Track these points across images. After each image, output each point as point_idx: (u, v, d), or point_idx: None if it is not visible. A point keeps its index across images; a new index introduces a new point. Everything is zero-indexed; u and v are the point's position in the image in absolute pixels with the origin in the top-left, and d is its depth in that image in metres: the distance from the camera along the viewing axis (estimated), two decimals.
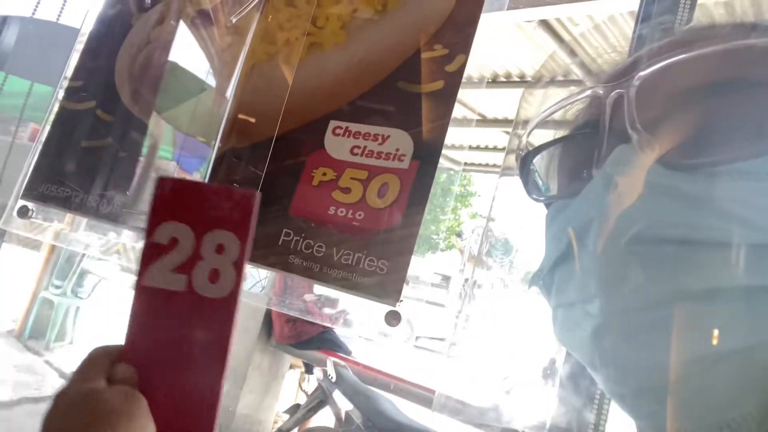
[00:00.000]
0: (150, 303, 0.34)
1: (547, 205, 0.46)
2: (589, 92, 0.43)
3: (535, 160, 0.49)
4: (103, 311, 5.31)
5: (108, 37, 0.74)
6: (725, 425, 0.34)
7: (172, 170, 0.65)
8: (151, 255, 0.33)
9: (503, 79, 3.13)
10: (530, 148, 0.49)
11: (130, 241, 0.71)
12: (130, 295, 0.37)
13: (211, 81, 0.66)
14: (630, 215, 0.36)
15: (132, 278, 0.37)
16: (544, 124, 0.49)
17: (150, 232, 0.33)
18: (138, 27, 0.73)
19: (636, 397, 0.37)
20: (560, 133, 0.48)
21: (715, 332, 0.33)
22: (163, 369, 0.34)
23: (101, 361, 0.35)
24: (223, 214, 0.34)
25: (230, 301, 0.33)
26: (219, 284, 0.33)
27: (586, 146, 0.42)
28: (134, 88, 0.69)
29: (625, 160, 0.38)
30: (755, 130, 0.35)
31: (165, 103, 0.68)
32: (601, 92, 0.41)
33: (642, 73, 0.39)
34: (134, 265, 0.35)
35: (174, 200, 0.34)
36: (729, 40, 0.38)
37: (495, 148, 4.80)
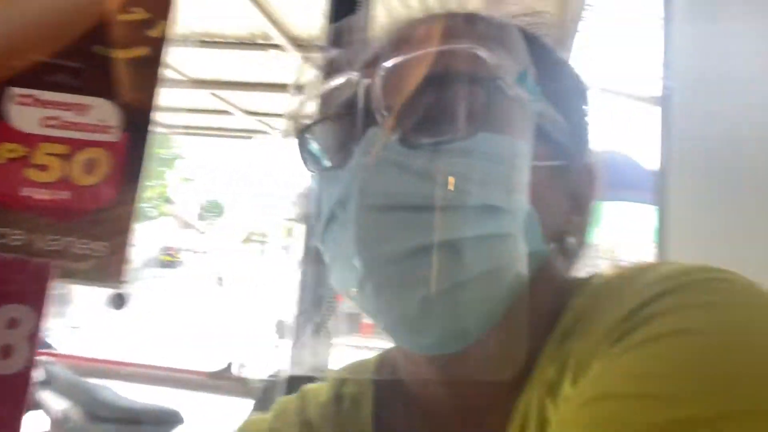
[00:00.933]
0: None
1: (319, 172, 0.53)
2: (346, 78, 0.51)
3: (308, 134, 0.55)
4: None
5: None
6: (447, 344, 0.45)
7: None
8: None
9: (207, 40, 3.07)
10: (304, 122, 0.56)
11: None
12: None
13: None
14: (376, 187, 0.45)
15: None
16: (316, 99, 0.55)
17: None
18: None
19: (390, 332, 0.49)
20: (329, 110, 0.55)
21: (436, 276, 0.44)
22: None
23: None
24: (16, 287, 0.33)
25: (24, 376, 0.32)
26: (11, 360, 0.32)
27: (348, 124, 0.49)
28: None
29: (374, 140, 0.46)
30: (465, 116, 0.46)
31: None
32: (355, 79, 0.49)
33: (384, 65, 0.47)
34: None
35: None
36: (441, 42, 0.48)
37: (202, 110, 4.66)
